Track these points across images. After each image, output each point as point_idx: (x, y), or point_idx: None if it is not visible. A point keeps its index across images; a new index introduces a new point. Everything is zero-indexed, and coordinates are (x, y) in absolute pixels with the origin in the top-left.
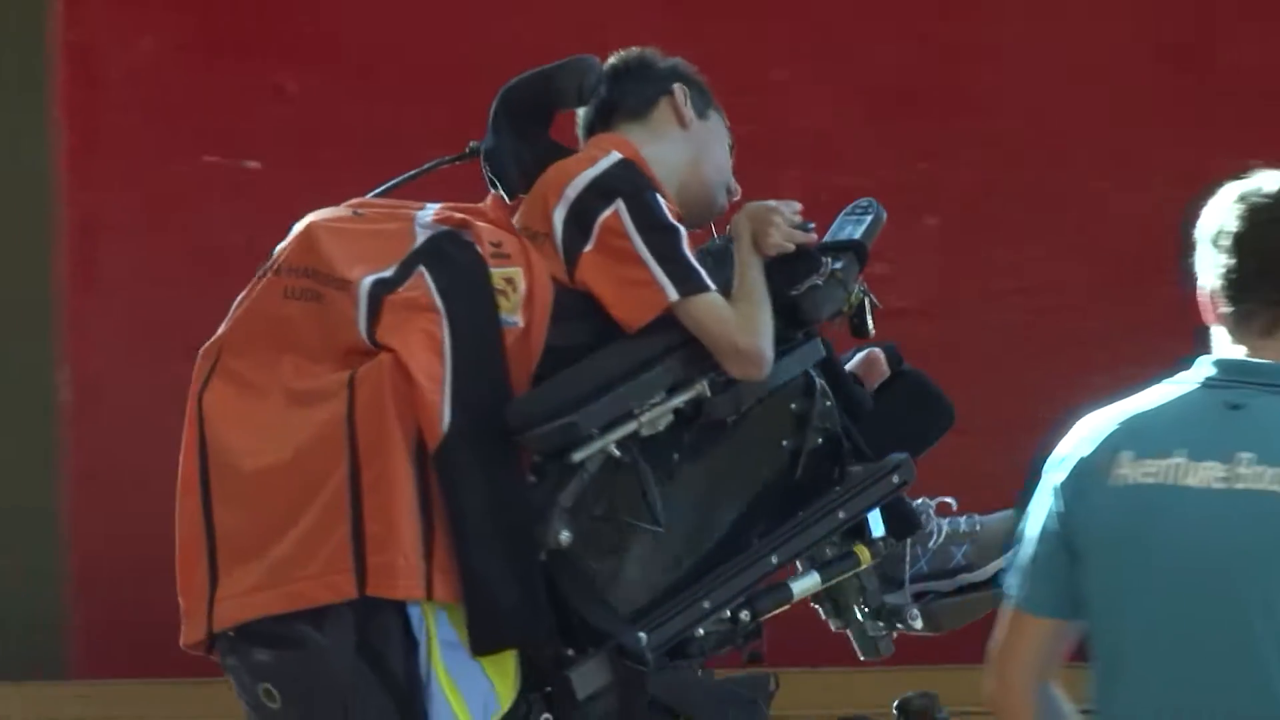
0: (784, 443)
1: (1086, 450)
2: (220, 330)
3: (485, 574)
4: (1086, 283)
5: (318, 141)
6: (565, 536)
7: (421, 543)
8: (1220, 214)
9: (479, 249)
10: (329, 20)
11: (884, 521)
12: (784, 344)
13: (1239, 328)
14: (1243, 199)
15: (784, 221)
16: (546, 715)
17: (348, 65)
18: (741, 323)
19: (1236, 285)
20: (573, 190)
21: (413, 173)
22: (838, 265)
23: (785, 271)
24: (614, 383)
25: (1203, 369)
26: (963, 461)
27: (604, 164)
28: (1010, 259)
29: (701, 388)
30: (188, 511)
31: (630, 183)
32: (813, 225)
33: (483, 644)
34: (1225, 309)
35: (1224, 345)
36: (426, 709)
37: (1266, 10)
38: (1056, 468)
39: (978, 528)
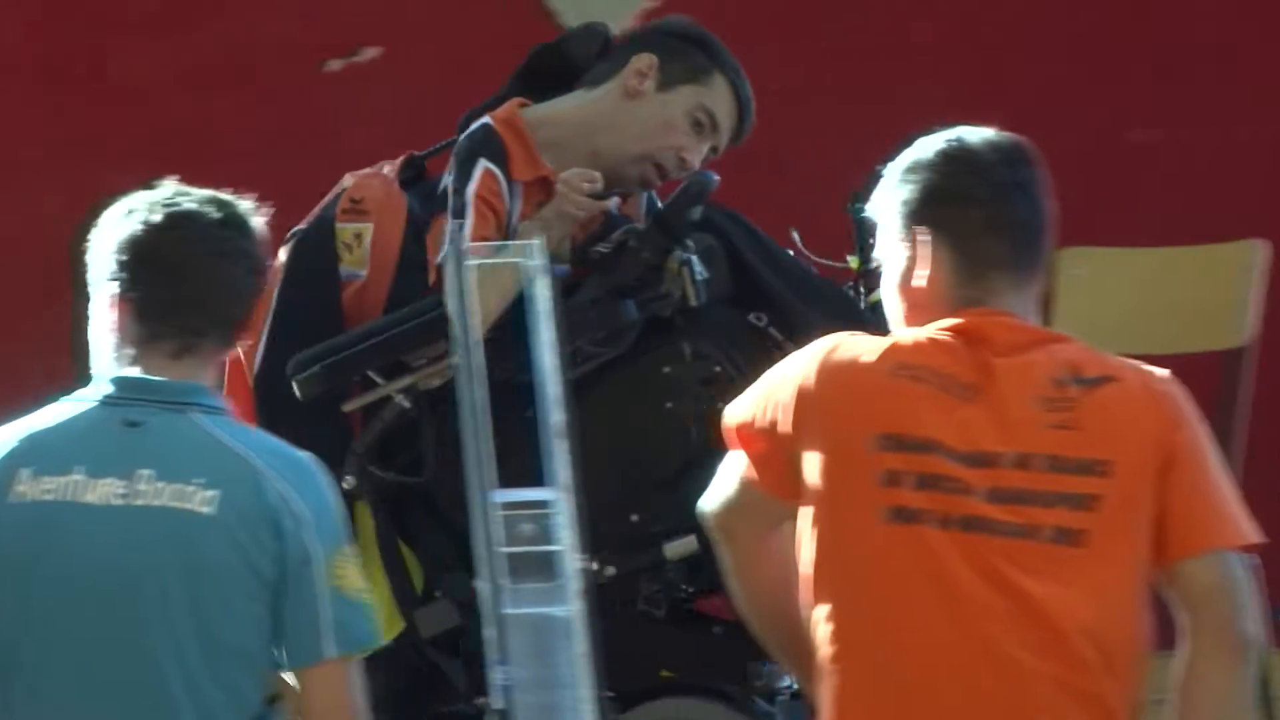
0: (668, 405)
1: None
2: None
3: None
4: None
5: None
6: (349, 481)
7: None
8: (116, 231)
9: (336, 206)
10: None
11: None
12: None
13: (146, 349)
14: (131, 213)
15: (571, 190)
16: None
17: None
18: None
19: (146, 308)
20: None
21: (444, 143)
22: (632, 233)
23: (590, 238)
24: (374, 335)
25: (101, 386)
26: None
27: (469, 132)
28: None
29: None
30: None
31: (468, 150)
32: (614, 195)
33: None
34: (133, 330)
35: (127, 365)
36: None
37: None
38: None
39: None
